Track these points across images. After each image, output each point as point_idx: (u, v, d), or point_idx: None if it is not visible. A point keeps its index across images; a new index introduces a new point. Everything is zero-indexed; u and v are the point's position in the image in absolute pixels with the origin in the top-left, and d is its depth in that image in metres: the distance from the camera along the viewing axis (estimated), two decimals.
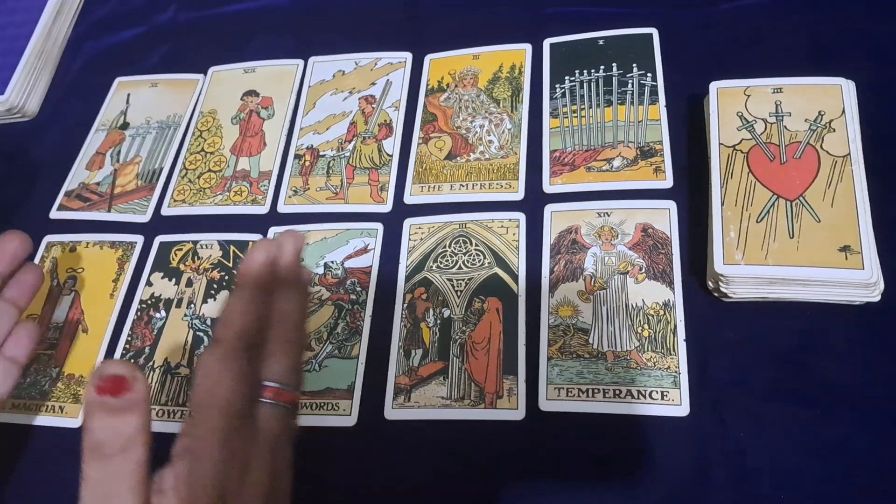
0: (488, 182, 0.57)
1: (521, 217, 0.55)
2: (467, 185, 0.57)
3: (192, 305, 0.56)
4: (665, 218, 0.52)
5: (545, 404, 0.47)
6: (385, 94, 0.64)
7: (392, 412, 0.49)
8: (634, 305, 0.49)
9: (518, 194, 0.56)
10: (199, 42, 0.73)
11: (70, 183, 0.65)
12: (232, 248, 0.58)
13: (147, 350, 0.55)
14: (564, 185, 0.55)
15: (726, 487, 0.43)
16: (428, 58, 0.65)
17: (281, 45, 0.70)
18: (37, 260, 0.61)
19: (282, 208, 0.60)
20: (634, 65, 0.59)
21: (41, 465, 0.52)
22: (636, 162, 0.54)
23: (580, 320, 0.49)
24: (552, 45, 0.62)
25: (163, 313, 0.56)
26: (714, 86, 0.53)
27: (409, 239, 0.56)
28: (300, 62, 0.68)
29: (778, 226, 0.46)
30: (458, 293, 0.52)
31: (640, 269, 0.50)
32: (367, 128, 0.62)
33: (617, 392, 0.46)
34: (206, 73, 0.70)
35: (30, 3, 0.75)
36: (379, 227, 0.57)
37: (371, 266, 0.55)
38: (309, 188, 0.60)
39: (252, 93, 0.67)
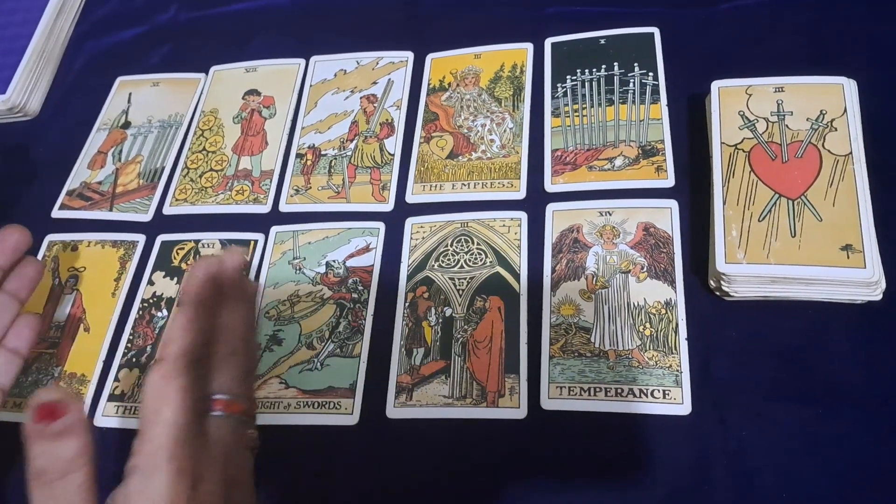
0: (490, 181, 0.57)
1: (522, 216, 0.55)
2: (469, 184, 0.57)
3: None
4: (667, 217, 0.52)
5: (547, 403, 0.47)
6: (387, 93, 0.64)
7: (394, 411, 0.49)
8: (636, 304, 0.49)
9: (520, 193, 0.56)
10: (200, 41, 0.73)
11: (72, 182, 0.65)
12: (234, 247, 0.58)
13: (149, 349, 0.55)
14: (566, 185, 0.55)
15: (727, 486, 0.43)
16: (429, 57, 0.65)
17: (282, 44, 0.70)
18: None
19: (283, 207, 0.60)
20: (636, 64, 0.59)
21: None
22: (638, 161, 0.54)
23: (582, 319, 0.49)
24: (553, 45, 0.62)
25: (164, 312, 0.56)
26: (716, 85, 0.53)
27: (411, 238, 0.56)
28: (302, 61, 0.68)
29: (780, 225, 0.46)
30: (460, 292, 0.52)
31: (642, 268, 0.50)
32: (369, 127, 0.62)
33: (619, 391, 0.46)
34: (207, 73, 0.70)
35: (31, 3, 0.75)
36: (381, 226, 0.57)
37: (373, 265, 0.55)
38: (311, 187, 0.60)
39: (254, 92, 0.67)
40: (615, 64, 0.59)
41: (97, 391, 0.54)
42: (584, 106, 0.58)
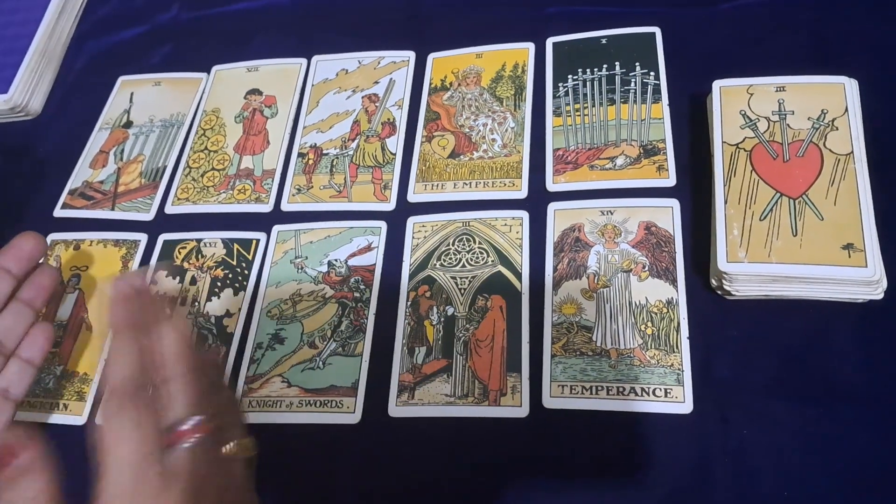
0: (491, 180, 0.57)
1: (524, 215, 0.55)
2: (470, 183, 0.57)
3: (196, 303, 0.56)
4: (668, 216, 0.52)
5: (549, 401, 0.47)
6: (388, 92, 0.64)
7: (396, 410, 0.49)
8: (638, 303, 0.49)
9: (521, 192, 0.56)
10: (201, 41, 0.73)
11: (74, 181, 0.65)
12: (236, 246, 0.59)
13: None
14: (568, 184, 0.55)
15: (729, 485, 0.43)
16: (431, 56, 0.65)
17: (284, 43, 0.70)
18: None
19: (285, 206, 0.60)
20: (637, 63, 0.59)
21: None
22: (639, 160, 0.55)
23: (583, 318, 0.49)
24: (555, 44, 0.62)
25: (166, 311, 0.56)
26: (717, 84, 0.53)
27: (413, 237, 0.56)
28: (303, 61, 0.68)
29: (781, 224, 0.46)
30: (462, 291, 0.52)
31: (644, 267, 0.50)
32: (371, 126, 0.62)
33: (620, 389, 0.46)
34: (209, 72, 0.70)
35: (32, 3, 0.75)
36: (382, 225, 0.57)
37: (375, 264, 0.55)
38: (312, 186, 0.60)
39: (255, 91, 0.67)
40: (616, 63, 0.59)
41: (99, 390, 0.54)
42: (585, 105, 0.58)
